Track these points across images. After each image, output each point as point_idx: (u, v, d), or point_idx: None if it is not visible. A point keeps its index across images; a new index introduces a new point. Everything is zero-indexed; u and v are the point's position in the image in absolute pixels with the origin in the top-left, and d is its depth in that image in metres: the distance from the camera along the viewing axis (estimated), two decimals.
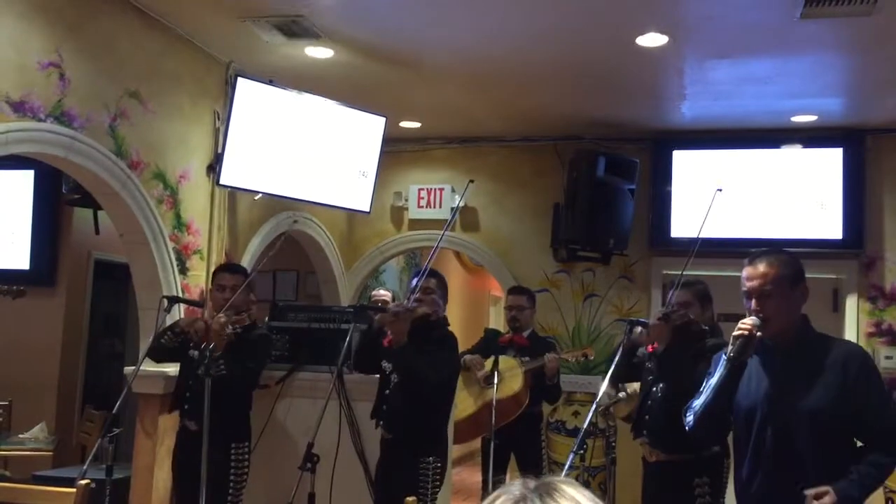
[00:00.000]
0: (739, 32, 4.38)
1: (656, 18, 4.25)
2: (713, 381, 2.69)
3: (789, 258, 2.71)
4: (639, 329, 3.70)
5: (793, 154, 6.15)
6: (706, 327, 3.64)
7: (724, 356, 2.66)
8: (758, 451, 2.64)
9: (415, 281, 4.09)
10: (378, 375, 4.03)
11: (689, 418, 2.77)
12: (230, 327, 3.85)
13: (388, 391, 3.94)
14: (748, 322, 2.60)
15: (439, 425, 3.97)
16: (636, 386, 4.08)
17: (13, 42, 3.64)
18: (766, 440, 2.62)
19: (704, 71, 5.00)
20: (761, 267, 2.64)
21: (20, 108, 3.67)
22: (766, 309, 2.61)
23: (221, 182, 4.87)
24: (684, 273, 3.65)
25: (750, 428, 2.66)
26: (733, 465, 2.83)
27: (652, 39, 4.47)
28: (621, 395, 4.36)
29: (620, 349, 3.60)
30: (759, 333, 2.58)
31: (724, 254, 5.08)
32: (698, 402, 2.75)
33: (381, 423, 3.98)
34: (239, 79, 4.82)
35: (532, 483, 1.08)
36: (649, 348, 3.70)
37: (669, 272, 6.24)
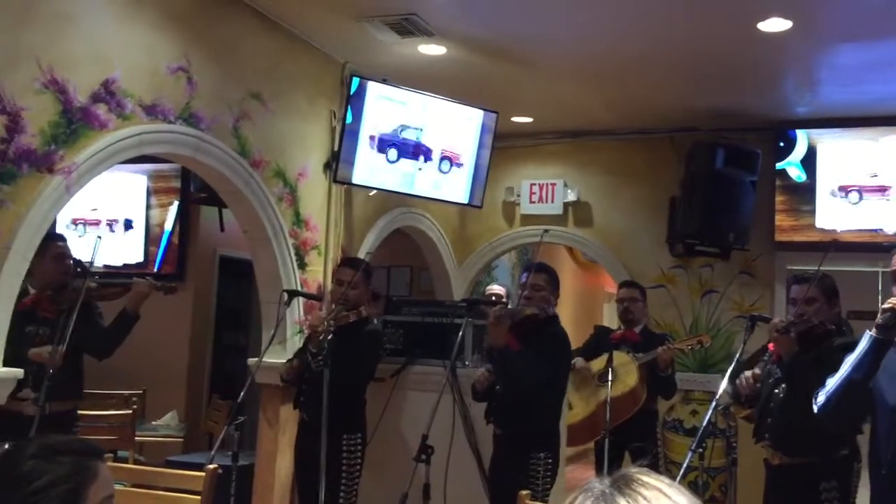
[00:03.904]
0: (867, 14, 4.15)
1: (778, 3, 4.09)
2: (852, 356, 2.58)
3: None
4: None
5: None
6: (832, 326, 3.47)
7: (868, 333, 2.56)
8: None
9: (524, 277, 4.08)
10: None
11: (821, 398, 2.66)
12: (324, 324, 3.94)
13: (497, 389, 3.95)
14: None
15: (550, 422, 3.96)
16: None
17: (145, 49, 3.85)
18: None
19: (830, 56, 4.77)
20: None
21: (152, 111, 3.88)
22: None
23: (338, 179, 5.00)
24: (815, 269, 3.49)
25: None
26: (872, 466, 2.68)
27: (774, 24, 4.30)
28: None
29: (742, 346, 3.48)
30: None
31: (854, 248, 4.83)
32: (832, 380, 2.64)
33: (493, 419, 4.00)
34: (354, 78, 4.93)
35: (608, 479, 1.07)
36: (770, 346, 3.56)
37: (794, 268, 5.97)
